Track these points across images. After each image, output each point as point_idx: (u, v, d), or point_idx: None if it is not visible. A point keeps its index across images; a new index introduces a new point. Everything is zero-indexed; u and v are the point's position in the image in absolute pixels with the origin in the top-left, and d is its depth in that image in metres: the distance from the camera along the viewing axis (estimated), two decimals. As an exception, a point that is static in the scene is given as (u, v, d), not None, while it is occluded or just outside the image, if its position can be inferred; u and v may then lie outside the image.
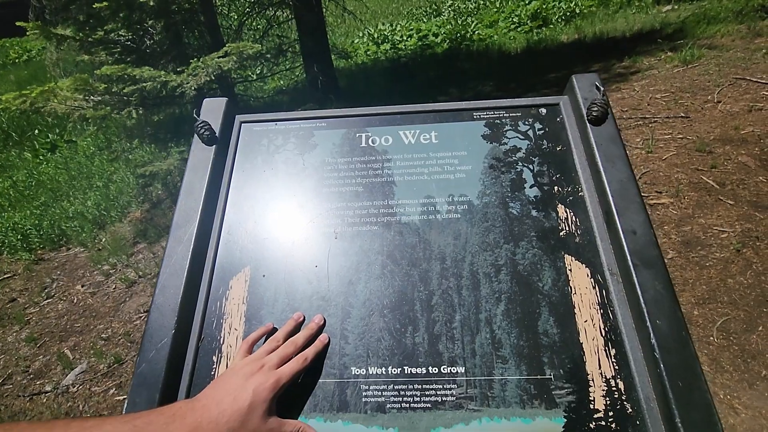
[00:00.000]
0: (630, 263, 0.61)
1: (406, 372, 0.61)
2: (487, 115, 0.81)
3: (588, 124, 0.73)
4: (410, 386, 0.59)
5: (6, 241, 3.55)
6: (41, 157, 5.52)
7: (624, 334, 0.59)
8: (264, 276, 0.69)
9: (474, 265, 0.67)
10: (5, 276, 3.24)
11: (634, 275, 0.60)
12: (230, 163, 0.80)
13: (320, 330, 0.64)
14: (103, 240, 3.47)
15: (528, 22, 8.80)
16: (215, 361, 0.63)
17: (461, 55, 7.91)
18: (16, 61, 10.36)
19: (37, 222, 3.71)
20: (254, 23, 5.87)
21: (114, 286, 2.93)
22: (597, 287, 0.63)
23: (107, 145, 4.93)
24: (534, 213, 0.70)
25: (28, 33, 3.36)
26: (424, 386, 0.59)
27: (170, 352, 0.61)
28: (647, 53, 5.64)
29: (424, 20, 10.53)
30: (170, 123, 3.87)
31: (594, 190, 0.70)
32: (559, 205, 0.71)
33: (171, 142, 4.02)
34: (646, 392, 0.56)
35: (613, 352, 0.59)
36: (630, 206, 0.65)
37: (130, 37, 3.75)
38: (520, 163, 0.75)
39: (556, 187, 0.72)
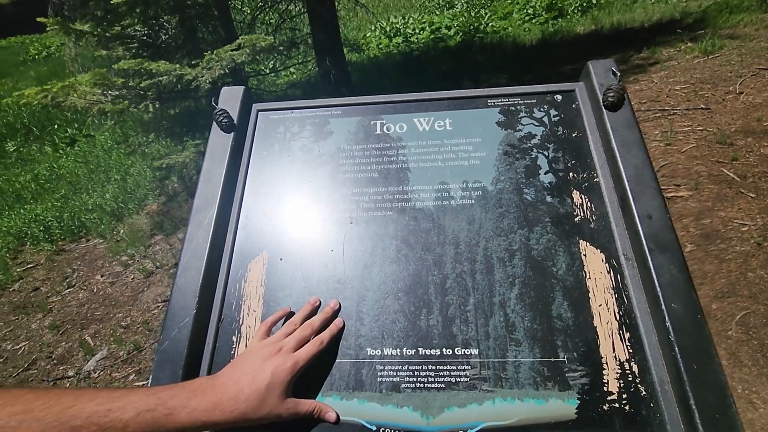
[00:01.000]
0: (645, 247, 0.61)
1: (420, 353, 0.62)
2: (501, 102, 0.81)
3: (604, 110, 0.73)
4: (424, 367, 0.61)
5: (29, 232, 3.65)
6: (61, 151, 5.66)
7: (638, 318, 0.59)
8: (281, 259, 0.71)
9: (488, 249, 0.68)
10: (29, 266, 3.34)
11: (649, 259, 0.60)
12: (248, 151, 0.81)
13: (336, 314, 0.66)
14: (121, 232, 3.55)
15: (543, 13, 8.65)
16: (234, 341, 0.65)
17: (474, 47, 7.84)
18: (36, 57, 10.58)
19: (57, 214, 3.81)
20: (267, 17, 5.89)
21: (132, 277, 3.00)
22: (612, 272, 0.64)
23: (124, 139, 5.03)
24: (549, 199, 0.71)
25: (48, 29, 3.44)
26: (438, 367, 0.60)
27: (192, 331, 0.63)
28: (667, 44, 5.51)
29: (437, 13, 10.44)
30: (185, 117, 3.92)
31: (609, 175, 0.70)
32: (574, 191, 0.70)
33: (186, 135, 4.08)
34: (660, 375, 0.56)
35: (627, 335, 0.59)
36: (645, 191, 0.65)
37: (146, 32, 3.80)
38: (535, 150, 0.75)
39: (571, 173, 0.72)
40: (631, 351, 0.58)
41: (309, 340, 0.61)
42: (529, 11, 8.71)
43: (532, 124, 0.78)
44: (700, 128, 3.27)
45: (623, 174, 0.67)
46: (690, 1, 7.20)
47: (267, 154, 0.81)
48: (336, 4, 6.21)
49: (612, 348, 0.59)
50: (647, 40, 5.79)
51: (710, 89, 3.90)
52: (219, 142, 0.79)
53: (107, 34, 3.66)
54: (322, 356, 0.61)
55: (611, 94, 0.72)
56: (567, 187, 0.71)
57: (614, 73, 0.76)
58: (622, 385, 0.56)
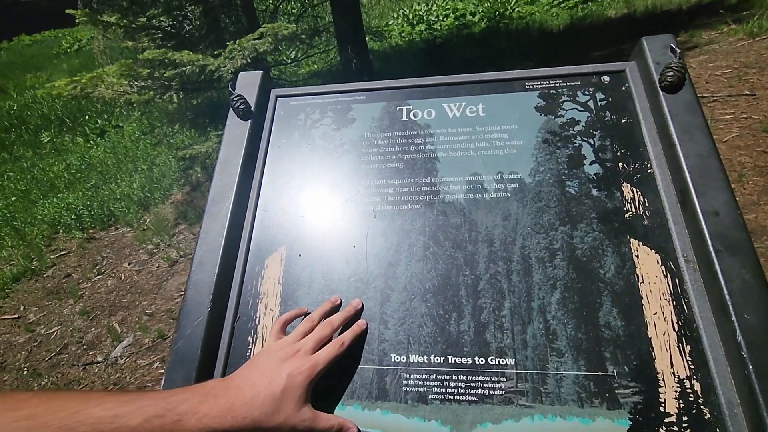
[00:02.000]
0: (711, 248, 0.53)
1: (449, 361, 0.56)
2: (540, 84, 0.73)
3: (660, 92, 0.65)
4: (454, 377, 0.55)
5: (62, 220, 3.77)
6: (92, 142, 5.81)
7: (701, 328, 0.52)
8: (300, 255, 0.66)
9: (525, 248, 0.61)
10: (61, 253, 3.44)
11: (716, 262, 0.52)
12: (266, 138, 0.77)
13: (359, 314, 0.61)
14: (148, 221, 3.61)
15: (572, -4, 8.30)
16: (251, 341, 0.62)
17: (500, 34, 7.60)
18: (68, 50, 10.90)
19: (88, 203, 3.91)
20: (289, 6, 5.85)
21: (157, 265, 3.05)
22: (669, 276, 0.56)
23: (150, 130, 5.12)
24: (595, 192, 0.63)
25: (77, 20, 3.49)
26: (469, 377, 0.55)
27: (206, 330, 0.59)
28: (707, 26, 5.19)
29: (462, -1, 10.17)
30: (209, 107, 3.94)
31: (666, 166, 0.62)
32: (625, 184, 0.63)
33: (210, 125, 4.10)
34: (729, 396, 0.49)
35: (687, 349, 0.52)
36: (711, 183, 0.57)
37: (171, 22, 3.82)
38: (579, 137, 0.68)
39: (620, 164, 0.64)
40: (692, 367, 0.51)
41: (329, 341, 0.56)
42: (557, -5, 8.38)
43: (575, 108, 0.70)
44: (744, 116, 3.05)
45: (684, 164, 0.59)
46: (734, -20, 6.76)
47: (286, 143, 0.76)
48: (357, -8, 6.11)
49: (670, 362, 0.52)
50: (685, 23, 5.47)
51: (756, 74, 3.64)
52: (236, 130, 0.75)
53: (133, 25, 3.69)
54: (343, 360, 0.57)
55: (670, 74, 0.64)
56: (616, 179, 0.64)
57: (673, 50, 0.67)
58: (681, 405, 0.50)
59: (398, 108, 0.76)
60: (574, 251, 0.60)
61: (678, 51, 0.66)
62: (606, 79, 0.72)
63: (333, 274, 0.64)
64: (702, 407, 0.49)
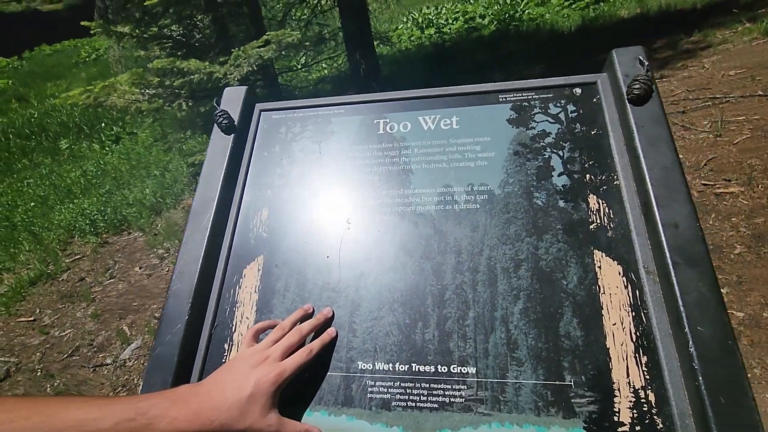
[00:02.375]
0: (669, 260, 0.54)
1: (413, 369, 0.58)
2: (513, 97, 0.74)
3: (628, 104, 0.65)
4: (417, 384, 0.57)
5: (77, 225, 3.88)
6: (107, 148, 5.97)
7: (658, 340, 0.53)
8: (276, 266, 0.69)
9: (492, 259, 0.63)
10: (76, 257, 3.55)
11: (673, 274, 0.53)
12: (249, 152, 0.80)
13: (329, 323, 0.63)
14: (159, 225, 3.70)
15: (584, -3, 8.23)
16: (226, 348, 0.64)
17: (509, 36, 7.57)
18: (87, 59, 11.22)
19: (102, 208, 4.03)
20: (298, 13, 5.93)
21: (167, 269, 3.13)
22: (630, 287, 0.57)
23: (162, 136, 5.23)
24: (561, 204, 0.64)
25: (91, 31, 3.61)
26: (431, 385, 0.56)
27: (184, 337, 0.62)
28: (721, 25, 5.09)
29: (471, 2, 10.17)
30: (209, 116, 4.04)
31: (632, 178, 0.63)
32: (591, 195, 0.64)
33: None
34: (681, 407, 0.49)
35: (644, 359, 0.53)
36: (673, 196, 0.58)
37: (182, 31, 3.92)
38: (549, 149, 0.69)
39: (588, 175, 0.66)
40: (647, 377, 0.52)
41: (298, 347, 0.58)
42: (569, -4, 8.32)
43: (546, 120, 0.71)
44: (756, 117, 2.99)
45: (647, 176, 0.60)
46: (750, -23, 6.61)
47: (267, 156, 0.79)
48: (366, -3, 6.17)
49: (626, 373, 0.53)
50: (699, 22, 5.38)
51: (770, 74, 3.56)
52: (219, 144, 0.78)
53: (145, 35, 3.80)
54: (311, 367, 0.59)
55: (637, 86, 0.64)
56: (583, 190, 0.65)
57: (641, 63, 0.68)
58: (635, 415, 0.50)
59: (375, 121, 0.78)
60: (538, 262, 0.61)
61: (646, 63, 0.67)
62: (578, 91, 0.73)
63: (306, 283, 0.67)
64: (655, 417, 0.50)
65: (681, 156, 2.80)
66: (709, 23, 5.29)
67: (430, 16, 9.53)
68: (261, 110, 0.84)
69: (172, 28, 3.93)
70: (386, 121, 0.78)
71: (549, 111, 0.72)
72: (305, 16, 5.86)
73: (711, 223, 2.20)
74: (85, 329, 2.65)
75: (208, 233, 0.70)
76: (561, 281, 0.59)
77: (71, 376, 2.28)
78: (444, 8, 9.87)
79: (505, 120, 0.73)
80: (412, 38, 8.89)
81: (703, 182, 2.50)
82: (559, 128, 0.70)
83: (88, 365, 2.36)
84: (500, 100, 0.75)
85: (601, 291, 0.57)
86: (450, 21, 9.08)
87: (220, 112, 0.79)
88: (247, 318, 0.66)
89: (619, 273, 0.58)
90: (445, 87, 0.78)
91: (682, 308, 0.51)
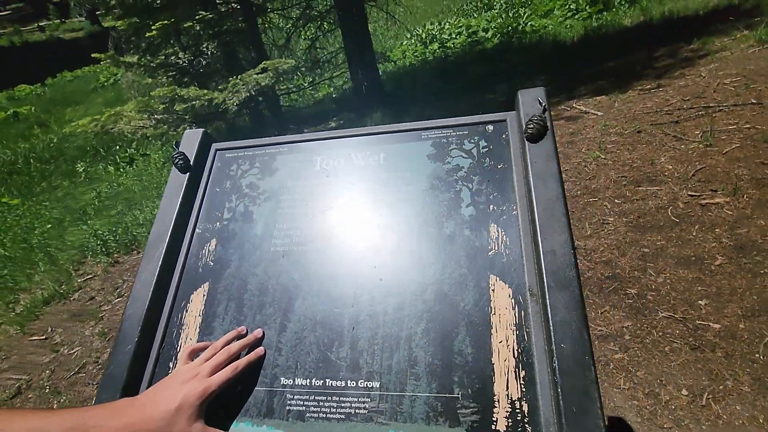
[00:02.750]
0: (545, 284, 0.61)
1: (327, 384, 0.65)
2: (434, 134, 0.83)
3: (526, 142, 0.73)
4: (329, 398, 0.64)
5: (90, 246, 4.07)
6: (121, 170, 6.22)
7: (535, 356, 0.59)
8: (219, 292, 0.77)
9: (403, 284, 0.70)
10: (88, 277, 3.72)
11: (547, 296, 0.60)
12: (203, 187, 0.89)
13: (258, 342, 0.71)
14: (165, 245, 3.84)
15: (587, 7, 8.31)
16: (171, 367, 0.73)
17: (512, 49, 7.66)
18: (105, 84, 11.72)
19: (113, 228, 4.21)
20: (302, 35, 6.13)
21: (171, 287, 3.25)
22: (516, 308, 0.64)
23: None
24: (467, 232, 0.72)
25: (101, 62, 3.83)
26: (341, 398, 0.64)
27: (133, 357, 0.71)
28: (720, 33, 5.10)
29: (474, 15, 10.33)
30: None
31: (526, 208, 0.70)
32: (492, 224, 0.71)
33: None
34: (547, 416, 0.55)
35: (522, 374, 0.59)
36: (554, 226, 0.64)
37: (188, 58, 4.13)
38: (461, 182, 0.76)
39: (491, 206, 0.73)
40: (524, 390, 0.58)
41: (226, 365, 0.66)
42: (571, 6, 8.40)
43: (461, 156, 0.79)
44: (747, 126, 2.99)
45: (535, 207, 0.67)
46: (753, -18, 6.58)
47: (219, 191, 0.88)
48: (367, 17, 6.36)
49: (506, 386, 0.59)
50: (700, 30, 5.39)
51: (763, 82, 3.56)
52: (175, 182, 0.88)
53: (152, 64, 4.02)
54: (241, 382, 0.67)
55: (531, 126, 0.72)
56: (486, 220, 0.72)
57: (540, 103, 0.75)
58: (509, 424, 0.57)
59: (314, 158, 0.87)
60: (443, 286, 0.68)
61: (543, 104, 0.74)
62: (490, 128, 0.80)
63: (243, 307, 0.75)
64: (527, 426, 0.56)
65: (669, 167, 2.82)
66: (709, 30, 5.30)
67: (434, 32, 9.70)
68: (216, 149, 0.94)
69: (179, 55, 4.15)
70: (323, 159, 0.87)
71: (464, 147, 0.80)
72: (308, 39, 6.07)
73: (694, 234, 2.21)
74: (92, 347, 2.78)
75: (160, 263, 0.79)
76: (460, 303, 0.66)
77: (77, 393, 2.40)
78: (447, 23, 10.05)
79: (425, 156, 0.81)
80: (416, 54, 9.06)
81: (689, 193, 2.52)
82: (470, 162, 0.78)
83: (92, 382, 2.47)
84: (422, 137, 0.83)
85: (492, 312, 0.64)
86: (453, 36, 9.24)
87: (177, 153, 0.89)
88: (191, 339, 0.74)
89: (509, 295, 0.65)
90: (374, 126, 0.87)
91: (551, 327, 0.58)
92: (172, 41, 3.58)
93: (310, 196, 0.83)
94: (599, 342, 1.82)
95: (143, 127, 3.47)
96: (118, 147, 6.84)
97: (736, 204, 2.31)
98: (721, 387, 1.53)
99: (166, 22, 3.16)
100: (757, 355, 1.59)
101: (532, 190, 0.68)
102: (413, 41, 9.77)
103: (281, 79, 3.76)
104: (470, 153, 0.79)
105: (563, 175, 3.14)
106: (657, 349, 1.73)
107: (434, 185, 0.78)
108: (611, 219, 2.52)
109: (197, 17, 3.28)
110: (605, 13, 7.71)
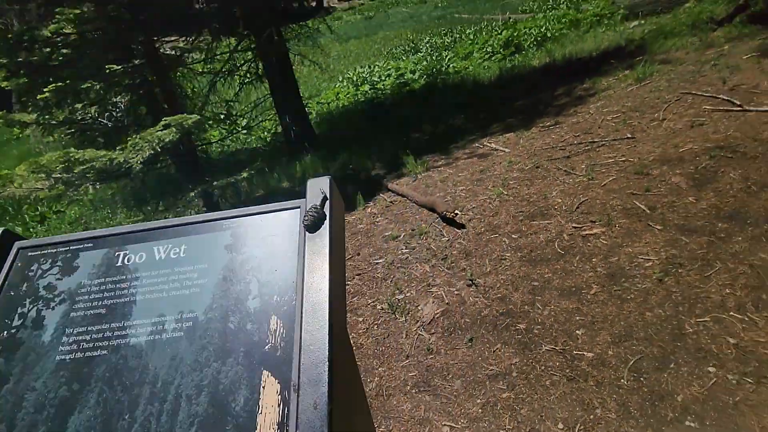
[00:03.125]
0: (299, 380, 0.63)
1: None
2: (233, 224, 0.85)
3: (305, 231, 0.77)
4: None
5: None
6: (31, 230, 5.75)
7: (288, 457, 0.61)
8: (6, 402, 0.72)
9: (180, 387, 0.70)
10: None
11: (300, 392, 0.62)
12: (-1, 292, 0.85)
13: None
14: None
15: (501, 50, 9.06)
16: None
17: (436, 89, 8.11)
18: (19, 136, 10.95)
19: None
20: (226, 84, 6.13)
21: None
22: (282, 404, 0.65)
23: (78, 217, 5.12)
24: (249, 326, 0.73)
25: (-7, 123, 3.60)
26: None
27: None
28: (607, 73, 5.72)
29: (403, 58, 10.90)
30: (126, 194, 4.03)
31: (303, 299, 0.73)
32: (273, 316, 0.73)
33: (136, 208, 4.18)
34: None
35: (275, 477, 0.60)
36: (315, 319, 0.68)
37: (91, 116, 3.98)
38: (251, 274, 0.79)
39: (275, 297, 0.75)
40: (274, 495, 0.59)
41: None
42: (488, 50, 9.13)
43: (256, 245, 0.82)
44: (623, 159, 3.33)
45: (303, 301, 0.70)
46: (636, 27, 7.53)
47: (14, 295, 0.84)
48: (293, 66, 6.52)
49: (259, 492, 0.59)
50: (592, 70, 6.01)
51: (638, 117, 4.01)
52: (-37, 290, 0.83)
53: (52, 122, 3.83)
54: None
55: (306, 217, 0.76)
56: (268, 312, 0.74)
57: (322, 192, 0.80)
58: None
59: (117, 253, 0.86)
60: (218, 386, 0.69)
61: (324, 194, 0.79)
62: (285, 215, 0.84)
63: (24, 423, 0.71)
64: None
65: (559, 200, 3.05)
66: (600, 70, 5.93)
67: (364, 74, 10.11)
68: (19, 248, 0.90)
69: (82, 113, 3.99)
70: (126, 253, 0.86)
71: (259, 236, 0.83)
72: (235, 87, 6.06)
73: (575, 265, 2.39)
74: None
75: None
76: (231, 404, 0.67)
77: None
78: (377, 66, 10.53)
79: (223, 246, 0.83)
80: (348, 95, 9.35)
81: (573, 225, 2.73)
82: (263, 252, 0.80)
83: None
84: (223, 227, 0.85)
85: (259, 411, 0.65)
86: (383, 77, 9.66)
87: (-33, 258, 0.84)
88: (-49, 471, 0.68)
89: (277, 391, 0.66)
90: (178, 218, 0.88)
91: (297, 426, 0.59)
92: (69, 101, 3.44)
93: (107, 295, 0.81)
94: (490, 382, 1.88)
95: (37, 190, 3.26)
96: (26, 206, 6.35)
97: (609, 234, 2.53)
98: (591, 416, 1.62)
99: (59, 84, 3.05)
100: (622, 381, 1.72)
101: (304, 282, 0.71)
102: (345, 84, 10.11)
103: (193, 131, 3.72)
104: (265, 242, 0.82)
105: (470, 213, 3.28)
106: (539, 384, 1.81)
107: (227, 278, 0.79)
108: (508, 255, 2.67)
109: (95, 77, 3.20)
110: (517, 55, 8.45)
